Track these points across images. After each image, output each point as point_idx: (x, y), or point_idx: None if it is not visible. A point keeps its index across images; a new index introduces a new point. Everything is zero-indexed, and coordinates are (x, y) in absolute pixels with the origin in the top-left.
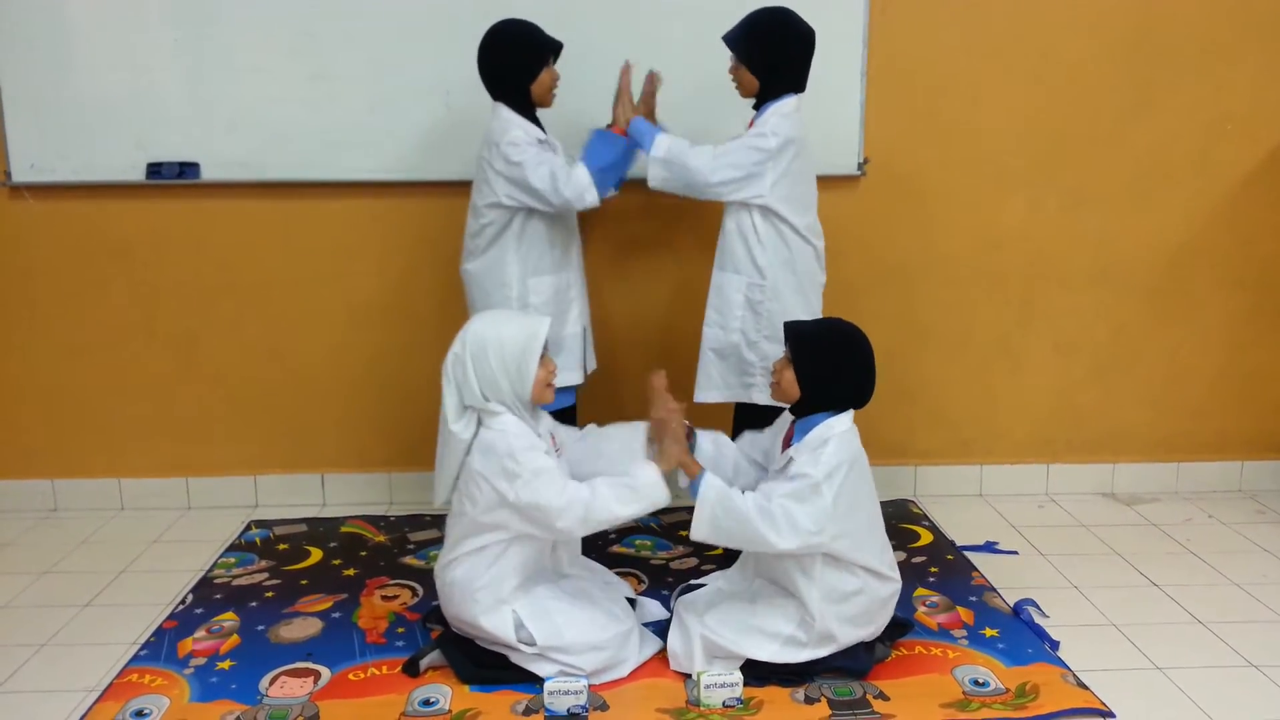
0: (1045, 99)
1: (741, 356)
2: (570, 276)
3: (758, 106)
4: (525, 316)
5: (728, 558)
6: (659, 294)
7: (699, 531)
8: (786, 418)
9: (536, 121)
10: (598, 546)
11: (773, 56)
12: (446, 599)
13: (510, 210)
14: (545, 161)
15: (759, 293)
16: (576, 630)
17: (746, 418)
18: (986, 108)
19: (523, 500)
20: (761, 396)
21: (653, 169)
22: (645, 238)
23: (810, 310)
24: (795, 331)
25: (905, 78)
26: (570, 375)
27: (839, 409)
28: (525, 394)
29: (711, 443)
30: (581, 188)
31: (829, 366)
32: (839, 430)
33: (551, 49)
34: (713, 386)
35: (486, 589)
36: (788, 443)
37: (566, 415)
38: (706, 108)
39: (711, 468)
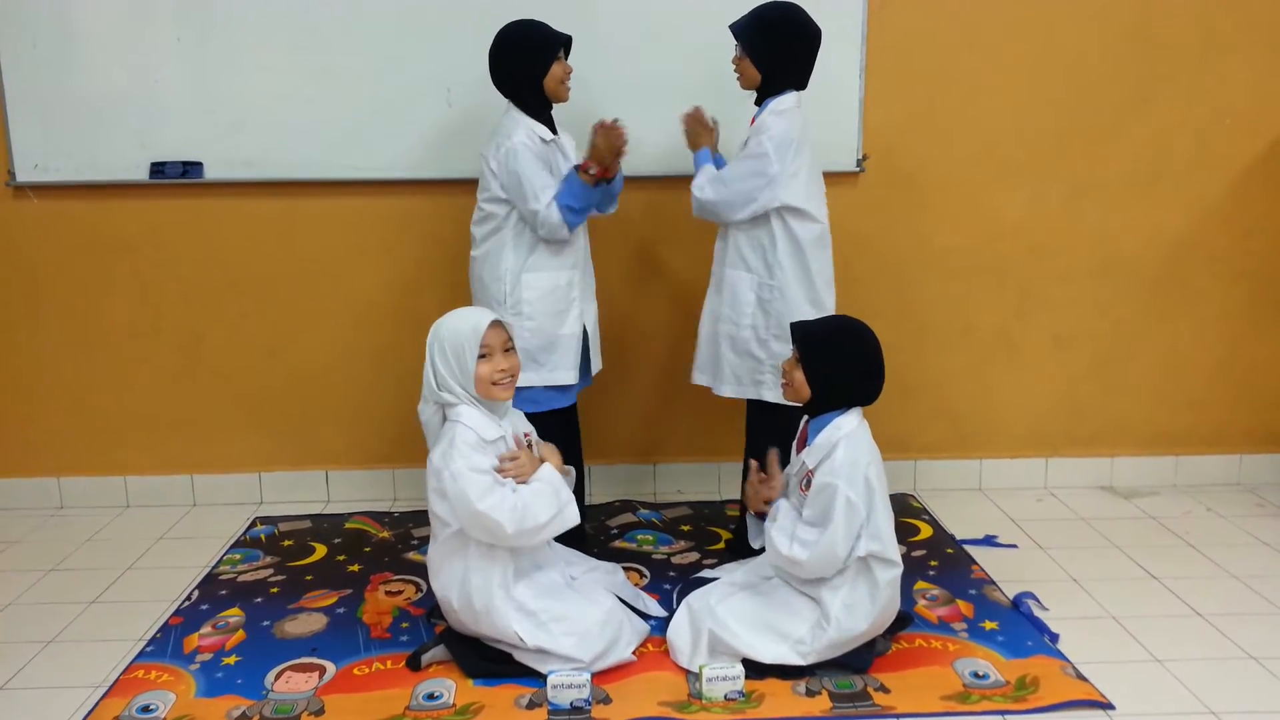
0: (1044, 93)
1: (751, 353)
2: (572, 275)
3: (759, 101)
4: (476, 311)
5: (730, 553)
6: (663, 292)
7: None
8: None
9: (549, 120)
10: (599, 542)
11: (778, 51)
12: (445, 606)
13: (509, 204)
14: (534, 190)
15: (768, 291)
16: (564, 625)
17: (759, 415)
18: (985, 103)
19: (447, 484)
20: (771, 394)
21: (693, 200)
22: (648, 237)
23: (820, 307)
24: (803, 331)
25: (904, 74)
26: (564, 375)
27: (849, 406)
28: (469, 387)
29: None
30: (553, 227)
31: (837, 364)
32: (846, 430)
33: (561, 43)
34: (726, 381)
35: (480, 589)
36: (802, 443)
37: (565, 415)
38: (716, 99)
39: None
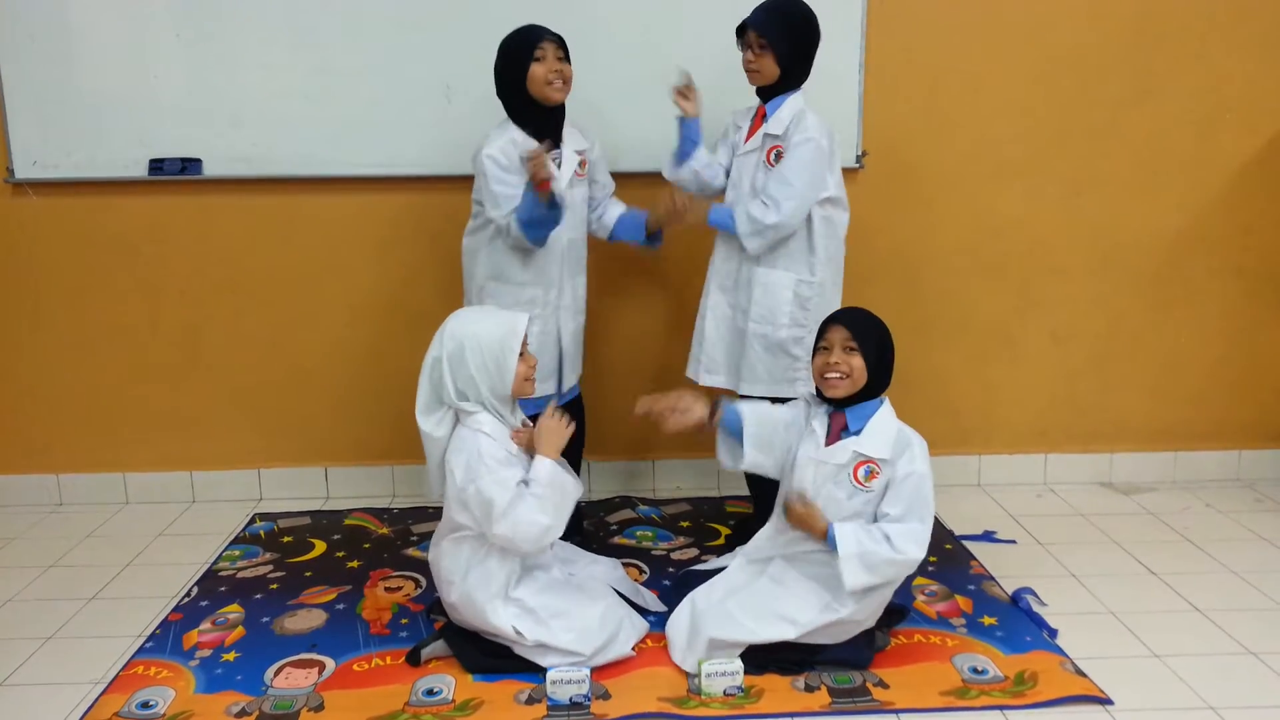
0: (1044, 88)
1: (789, 352)
2: (537, 294)
3: (766, 98)
4: (503, 313)
5: (731, 546)
6: (660, 288)
7: (856, 581)
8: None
9: (544, 126)
10: (599, 538)
11: (802, 49)
12: (449, 603)
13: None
14: (496, 199)
15: (808, 289)
16: (563, 620)
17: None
18: (985, 98)
19: (471, 498)
20: (805, 389)
21: (747, 245)
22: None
23: (841, 300)
24: (860, 322)
25: (904, 69)
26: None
27: (879, 394)
28: (505, 391)
29: (753, 421)
30: (515, 238)
31: (887, 352)
32: (898, 421)
33: (536, 41)
34: (758, 381)
35: (481, 587)
36: (836, 434)
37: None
38: (715, 93)
39: (755, 444)
